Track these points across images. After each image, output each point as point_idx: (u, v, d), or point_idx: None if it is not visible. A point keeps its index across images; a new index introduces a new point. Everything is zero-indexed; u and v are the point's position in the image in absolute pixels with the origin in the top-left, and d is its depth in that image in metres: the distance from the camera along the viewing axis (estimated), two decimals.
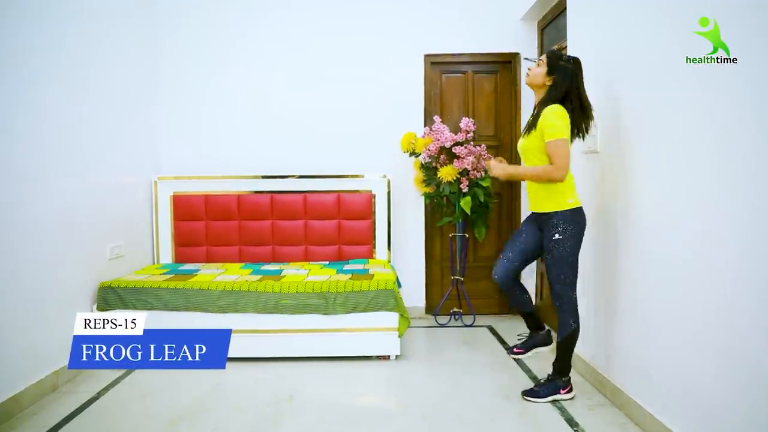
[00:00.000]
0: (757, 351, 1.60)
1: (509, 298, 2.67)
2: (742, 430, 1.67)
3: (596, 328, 2.71)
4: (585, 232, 2.44)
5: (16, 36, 2.52)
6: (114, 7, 3.38)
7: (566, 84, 2.37)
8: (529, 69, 2.48)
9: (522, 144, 2.50)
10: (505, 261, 2.58)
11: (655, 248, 2.16)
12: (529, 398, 2.53)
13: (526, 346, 2.69)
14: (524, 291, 2.67)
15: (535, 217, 2.51)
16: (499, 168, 2.56)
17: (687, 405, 1.95)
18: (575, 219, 2.38)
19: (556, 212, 2.37)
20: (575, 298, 2.44)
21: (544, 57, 2.44)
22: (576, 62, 2.40)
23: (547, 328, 2.72)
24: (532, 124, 2.40)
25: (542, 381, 2.61)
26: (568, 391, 2.53)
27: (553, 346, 2.63)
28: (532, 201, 2.52)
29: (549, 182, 2.36)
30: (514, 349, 2.72)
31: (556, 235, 2.37)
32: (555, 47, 3.52)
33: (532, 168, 2.40)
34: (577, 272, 2.43)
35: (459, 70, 4.10)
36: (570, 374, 2.54)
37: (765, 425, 1.58)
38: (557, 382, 2.52)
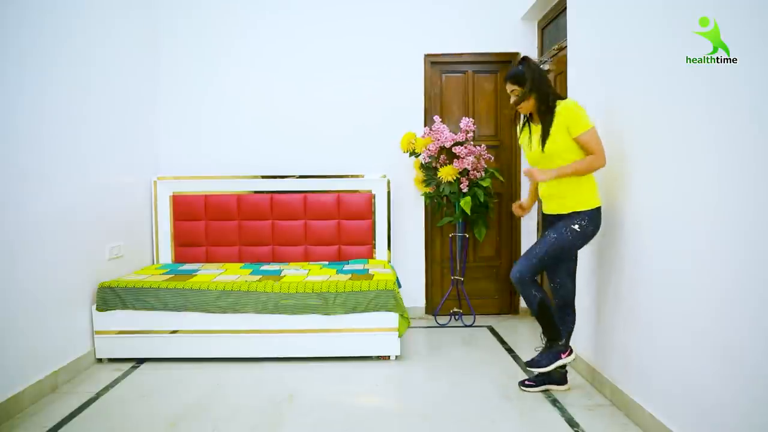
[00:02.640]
0: (757, 351, 1.60)
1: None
2: (742, 430, 1.67)
3: (596, 328, 2.71)
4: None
5: (16, 36, 2.52)
6: (115, 7, 3.38)
7: (544, 85, 2.38)
8: (513, 104, 2.45)
9: (546, 150, 2.38)
10: (557, 288, 2.59)
11: (655, 249, 2.16)
12: (532, 369, 2.54)
13: (539, 381, 2.65)
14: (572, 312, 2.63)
15: (555, 218, 2.48)
16: (543, 173, 2.36)
17: (687, 405, 1.94)
18: (596, 219, 2.40)
19: (584, 211, 2.38)
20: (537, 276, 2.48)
21: (514, 87, 2.41)
22: (529, 63, 2.40)
23: (566, 368, 2.65)
24: (548, 129, 2.36)
25: (539, 350, 2.58)
26: (569, 354, 2.53)
27: (568, 385, 2.64)
28: (554, 204, 2.46)
29: (592, 172, 2.35)
30: (526, 382, 2.66)
31: (576, 226, 2.37)
32: (555, 47, 3.52)
33: (574, 163, 2.32)
34: (557, 263, 2.48)
35: (459, 70, 4.10)
36: (564, 339, 2.54)
37: (764, 425, 1.58)
38: (555, 347, 2.52)
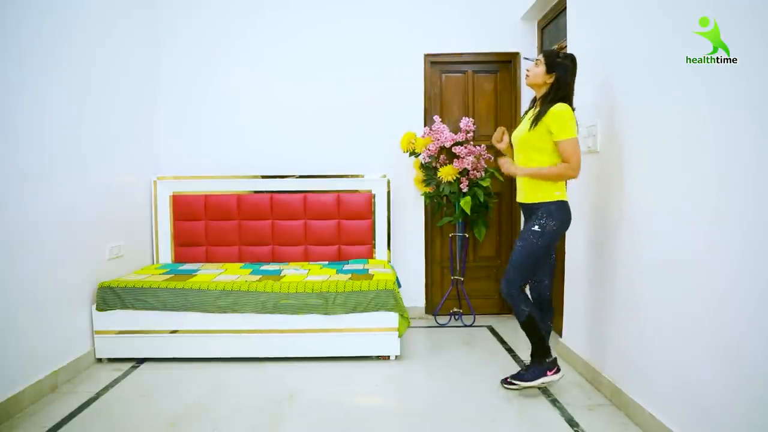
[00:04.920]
0: (756, 351, 1.60)
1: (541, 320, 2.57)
2: (741, 430, 1.67)
3: (595, 327, 2.71)
4: (579, 232, 2.45)
5: (16, 36, 2.52)
6: (115, 7, 3.38)
7: (569, 80, 2.39)
8: (527, 70, 2.50)
9: (522, 135, 2.48)
10: (535, 284, 2.64)
11: (655, 248, 2.16)
12: (514, 381, 2.55)
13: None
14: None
15: (524, 210, 2.55)
16: (514, 167, 2.52)
17: (686, 404, 1.95)
18: (559, 214, 2.41)
19: (542, 203, 2.42)
20: (524, 287, 2.51)
21: (541, 56, 2.46)
22: (572, 59, 2.43)
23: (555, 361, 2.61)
24: (538, 119, 2.38)
25: (526, 367, 2.60)
26: (556, 372, 2.54)
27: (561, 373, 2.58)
28: (520, 192, 2.56)
29: (562, 180, 2.39)
30: (508, 379, 2.64)
31: (536, 227, 2.41)
32: (555, 47, 3.52)
33: (548, 168, 2.39)
34: (537, 268, 2.52)
35: (459, 69, 4.09)
36: (553, 355, 2.56)
37: (764, 425, 1.58)
38: (542, 364, 2.53)
